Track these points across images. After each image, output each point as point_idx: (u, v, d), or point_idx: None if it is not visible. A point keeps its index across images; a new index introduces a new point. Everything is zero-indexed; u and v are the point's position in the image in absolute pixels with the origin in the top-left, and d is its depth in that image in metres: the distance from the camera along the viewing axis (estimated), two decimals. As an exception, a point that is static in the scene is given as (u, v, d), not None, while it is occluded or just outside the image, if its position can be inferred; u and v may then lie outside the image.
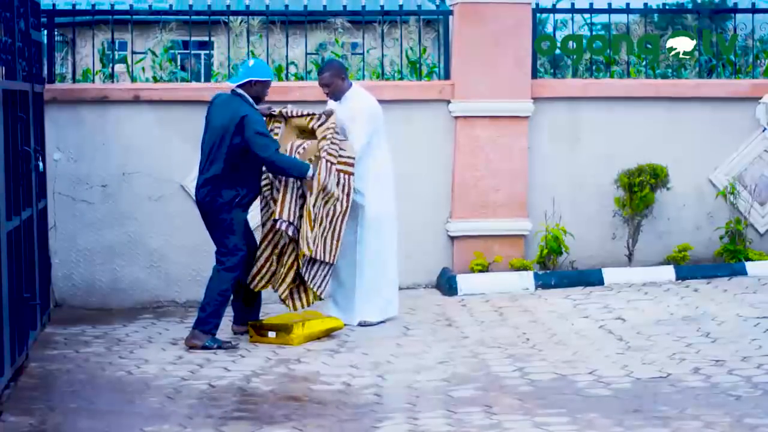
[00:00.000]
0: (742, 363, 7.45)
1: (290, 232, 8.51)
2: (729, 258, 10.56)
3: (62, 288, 10.01)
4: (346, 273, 9.06)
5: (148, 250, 10.05)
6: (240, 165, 8.37)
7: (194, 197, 8.75)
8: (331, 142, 8.66)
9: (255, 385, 7.35)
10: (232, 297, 8.61)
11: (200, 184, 8.49)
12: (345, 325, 8.86)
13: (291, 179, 8.52)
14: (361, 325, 8.99)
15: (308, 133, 8.84)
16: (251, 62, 8.68)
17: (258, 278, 8.74)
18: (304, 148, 8.65)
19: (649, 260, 10.63)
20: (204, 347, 8.24)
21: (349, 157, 8.77)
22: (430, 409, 6.67)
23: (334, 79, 9.01)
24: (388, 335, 8.74)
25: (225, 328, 8.67)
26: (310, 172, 8.42)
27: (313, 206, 8.51)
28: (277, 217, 8.52)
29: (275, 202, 8.62)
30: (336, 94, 9.05)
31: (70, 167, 10.00)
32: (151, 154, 9.97)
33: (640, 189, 10.44)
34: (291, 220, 8.51)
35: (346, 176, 8.75)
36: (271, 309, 9.58)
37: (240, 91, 8.50)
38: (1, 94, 6.90)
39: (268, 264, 8.72)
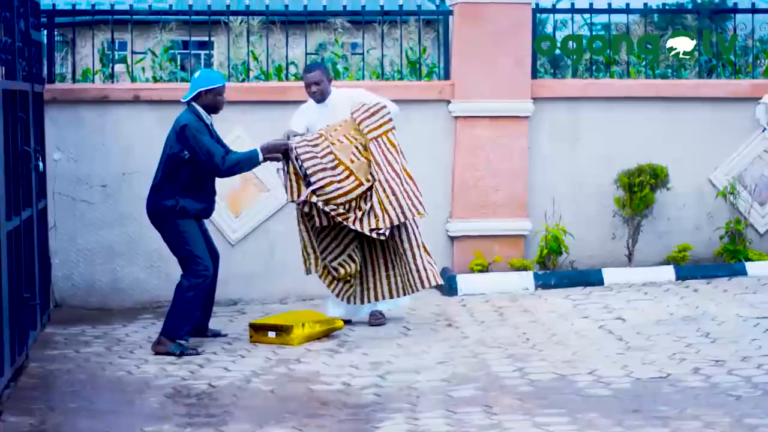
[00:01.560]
0: (742, 363, 7.45)
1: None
2: (729, 258, 10.56)
3: (62, 288, 10.02)
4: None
5: (148, 250, 10.04)
6: (176, 175, 8.30)
7: None
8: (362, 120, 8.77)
9: (255, 385, 7.35)
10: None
11: (147, 196, 8.47)
12: (345, 325, 8.87)
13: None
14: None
15: (358, 133, 8.83)
16: (197, 74, 8.57)
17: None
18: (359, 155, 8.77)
19: (649, 260, 10.63)
20: (168, 353, 8.15)
21: (382, 117, 8.80)
22: (430, 409, 6.67)
23: (323, 77, 8.96)
24: (388, 335, 8.74)
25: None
26: (260, 157, 8.41)
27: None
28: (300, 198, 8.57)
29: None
30: (323, 95, 8.98)
31: (70, 167, 10.01)
32: (151, 154, 9.90)
33: (640, 189, 10.44)
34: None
35: (385, 137, 8.80)
36: (272, 309, 9.60)
37: (194, 104, 8.42)
38: (1, 94, 6.90)
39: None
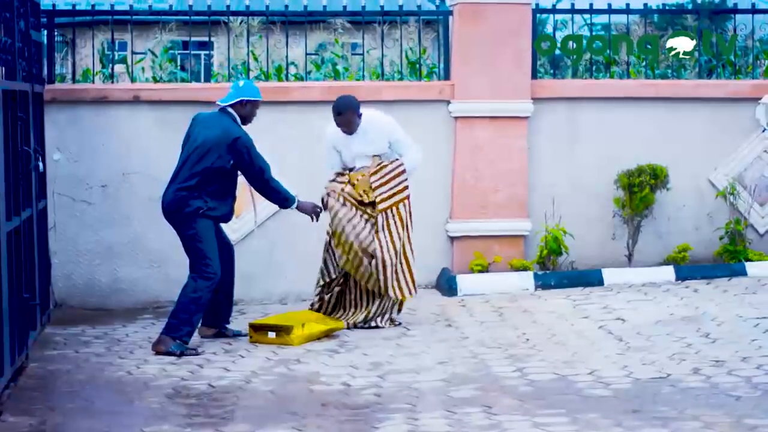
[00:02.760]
0: (742, 363, 7.44)
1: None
2: (729, 258, 10.56)
3: (62, 288, 10.01)
4: None
5: (147, 251, 10.05)
6: (213, 181, 8.31)
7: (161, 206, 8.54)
8: (381, 185, 8.90)
9: (255, 385, 7.35)
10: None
11: (169, 192, 8.40)
12: (345, 325, 8.88)
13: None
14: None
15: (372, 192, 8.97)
16: (241, 83, 8.66)
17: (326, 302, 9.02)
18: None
19: (649, 261, 10.63)
20: (168, 353, 8.14)
21: (398, 184, 8.92)
22: (430, 410, 6.67)
23: (352, 118, 8.91)
24: (388, 335, 8.74)
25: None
26: (293, 205, 8.62)
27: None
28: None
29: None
30: (352, 130, 8.99)
31: (70, 167, 10.01)
32: (150, 155, 9.97)
33: (640, 189, 10.44)
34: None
35: (395, 208, 8.92)
36: (272, 309, 9.60)
37: (230, 110, 8.46)
38: (1, 95, 6.89)
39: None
